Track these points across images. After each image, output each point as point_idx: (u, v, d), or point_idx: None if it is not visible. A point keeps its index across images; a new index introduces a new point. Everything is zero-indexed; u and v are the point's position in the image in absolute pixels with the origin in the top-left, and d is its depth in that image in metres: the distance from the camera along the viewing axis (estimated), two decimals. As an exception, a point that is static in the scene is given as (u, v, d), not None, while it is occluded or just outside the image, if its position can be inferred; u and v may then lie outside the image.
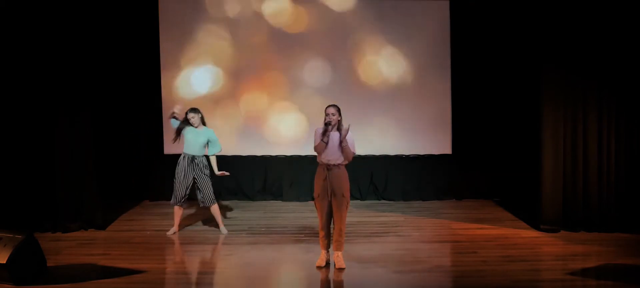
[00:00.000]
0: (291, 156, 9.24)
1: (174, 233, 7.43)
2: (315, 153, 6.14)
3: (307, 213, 8.39)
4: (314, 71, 9.05)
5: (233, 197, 9.26)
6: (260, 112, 9.13)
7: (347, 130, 5.97)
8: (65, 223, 7.48)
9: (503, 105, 9.06)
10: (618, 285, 5.64)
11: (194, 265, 6.64)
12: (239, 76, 9.10)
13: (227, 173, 7.54)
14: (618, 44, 7.19)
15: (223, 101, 9.08)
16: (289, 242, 7.11)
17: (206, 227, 7.73)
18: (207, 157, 7.40)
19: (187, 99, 8.93)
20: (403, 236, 7.36)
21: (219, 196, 7.55)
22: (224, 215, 7.94)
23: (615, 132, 7.33)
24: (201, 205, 7.43)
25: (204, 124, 7.35)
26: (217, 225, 7.53)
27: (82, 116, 7.48)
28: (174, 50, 9.06)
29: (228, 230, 7.49)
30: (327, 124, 5.99)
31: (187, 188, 7.29)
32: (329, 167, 6.03)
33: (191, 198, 7.46)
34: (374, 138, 9.01)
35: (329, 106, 6.06)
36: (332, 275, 6.04)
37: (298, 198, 9.20)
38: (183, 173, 7.25)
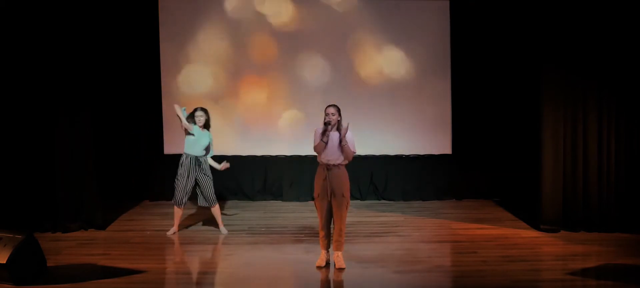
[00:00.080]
0: (291, 156, 9.24)
1: (174, 233, 7.43)
2: (315, 154, 6.14)
3: (307, 213, 8.39)
4: (314, 71, 9.05)
5: (233, 197, 9.27)
6: (260, 112, 9.13)
7: (346, 129, 5.98)
8: (65, 223, 7.48)
9: (503, 105, 9.06)
10: (618, 285, 5.64)
11: (194, 265, 6.64)
12: (239, 76, 9.11)
13: (228, 164, 7.51)
14: (618, 44, 7.19)
15: (223, 101, 9.08)
16: (289, 242, 7.11)
17: (206, 227, 7.73)
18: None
19: (187, 99, 8.93)
20: (403, 236, 7.36)
21: (219, 196, 7.54)
22: (223, 215, 7.93)
23: (615, 132, 7.33)
24: (202, 205, 7.42)
25: (207, 127, 7.31)
26: (217, 225, 7.53)
27: (82, 116, 7.48)
28: (174, 50, 9.07)
29: (228, 230, 7.49)
30: (326, 124, 5.99)
31: (189, 190, 7.28)
32: (328, 167, 6.03)
33: (191, 198, 7.45)
34: (374, 138, 9.01)
35: (329, 106, 6.06)
36: (332, 275, 6.04)
37: (298, 198, 9.20)
38: (187, 174, 7.24)
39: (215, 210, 7.44)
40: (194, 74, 9.08)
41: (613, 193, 7.36)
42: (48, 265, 6.00)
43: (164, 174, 8.94)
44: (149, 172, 9.28)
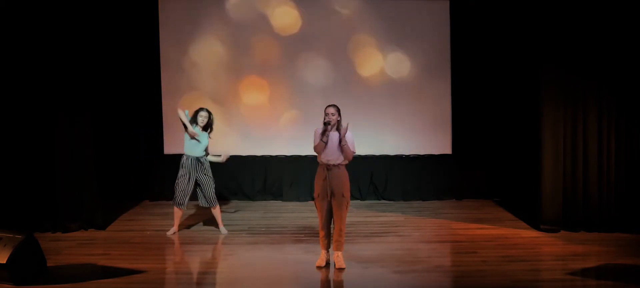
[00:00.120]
0: (291, 156, 9.24)
1: (174, 233, 7.43)
2: (315, 154, 6.14)
3: (307, 213, 8.39)
4: (315, 71, 9.05)
5: (233, 197, 9.27)
6: (261, 112, 9.13)
7: (346, 130, 5.98)
8: (65, 223, 7.48)
9: (503, 105, 9.06)
10: (618, 285, 5.64)
11: (194, 265, 6.64)
12: (239, 76, 9.10)
13: (229, 154, 7.49)
14: (618, 44, 7.19)
15: (223, 101, 9.08)
16: (289, 242, 7.11)
17: (206, 227, 7.73)
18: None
19: (187, 99, 8.94)
20: (403, 236, 7.36)
21: (219, 196, 7.54)
22: (224, 213, 7.92)
23: (615, 132, 7.33)
24: (203, 206, 7.42)
25: (208, 128, 7.30)
26: (217, 225, 7.53)
27: (82, 116, 7.48)
28: (174, 50, 9.06)
29: (228, 230, 7.49)
30: (326, 124, 5.99)
31: (190, 191, 7.28)
32: (328, 167, 6.03)
33: (191, 198, 7.44)
34: (374, 138, 9.00)
35: (329, 106, 6.06)
36: (332, 275, 6.04)
37: (298, 198, 9.20)
38: (188, 175, 7.24)
39: (216, 210, 7.44)
40: (194, 74, 9.08)
41: (613, 193, 7.36)
42: (48, 265, 6.00)
43: (164, 174, 8.94)
44: (149, 172, 9.28)
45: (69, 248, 6.86)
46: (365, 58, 9.07)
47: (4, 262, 5.47)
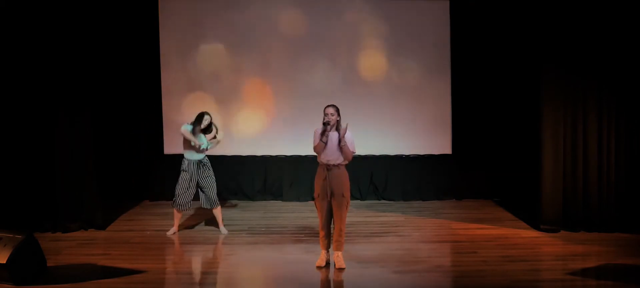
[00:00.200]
0: (291, 156, 9.24)
1: (174, 233, 7.43)
2: (315, 154, 6.14)
3: (307, 213, 8.39)
4: (314, 71, 9.04)
5: (233, 197, 9.26)
6: (261, 112, 9.13)
7: (345, 130, 5.97)
8: (65, 223, 7.48)
9: (503, 105, 9.06)
10: (618, 285, 5.64)
11: (194, 265, 6.64)
12: (240, 75, 9.10)
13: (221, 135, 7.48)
14: (618, 44, 7.19)
15: (223, 101, 9.08)
16: (289, 242, 7.11)
17: (206, 227, 7.73)
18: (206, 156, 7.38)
19: (187, 99, 8.95)
20: (403, 236, 7.37)
21: (219, 196, 7.53)
22: (225, 208, 7.91)
23: (615, 132, 7.33)
24: (205, 207, 7.42)
25: (207, 131, 7.29)
26: (217, 225, 7.53)
27: (82, 116, 7.48)
28: (174, 51, 9.06)
29: (228, 230, 7.49)
30: (325, 124, 5.99)
31: (191, 194, 7.28)
32: (328, 167, 6.03)
33: (193, 199, 7.46)
34: (374, 138, 9.00)
35: (328, 106, 6.06)
36: (332, 275, 6.04)
37: (298, 198, 9.20)
38: (190, 179, 7.22)
39: (217, 210, 7.44)
40: (194, 74, 9.08)
41: (613, 193, 7.36)
42: (48, 265, 6.00)
43: (164, 174, 8.95)
44: (149, 172, 9.28)
45: (69, 248, 6.86)
46: (365, 58, 9.07)
47: (4, 262, 5.47)
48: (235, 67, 9.09)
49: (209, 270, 6.50)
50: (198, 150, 7.18)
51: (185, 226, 7.74)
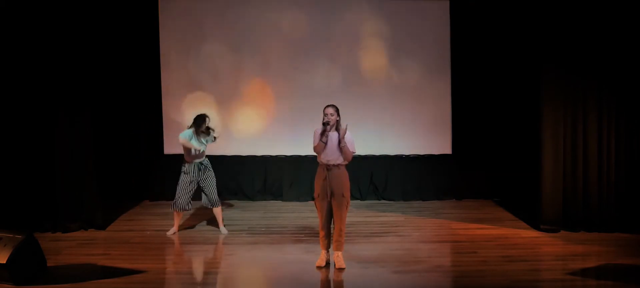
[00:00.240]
0: (291, 156, 9.24)
1: (174, 233, 7.43)
2: (315, 154, 6.14)
3: (307, 213, 8.39)
4: (315, 71, 9.05)
5: (233, 197, 9.26)
6: (261, 112, 9.13)
7: (345, 131, 5.97)
8: (65, 223, 7.48)
9: (503, 105, 9.06)
10: (618, 285, 5.64)
11: (194, 265, 6.64)
12: (240, 75, 9.10)
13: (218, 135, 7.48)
14: (618, 44, 7.19)
15: (223, 100, 9.08)
16: (289, 242, 7.11)
17: (206, 227, 7.73)
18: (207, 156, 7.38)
19: (187, 99, 8.95)
20: (403, 236, 7.36)
21: (219, 196, 7.53)
22: (225, 204, 7.90)
23: (615, 132, 7.33)
24: (206, 206, 7.42)
25: (205, 132, 7.28)
26: (217, 225, 7.53)
27: (82, 116, 7.48)
28: (174, 51, 9.06)
29: (228, 230, 7.49)
30: (325, 124, 5.99)
31: (191, 197, 7.29)
32: (328, 167, 6.03)
33: (194, 198, 7.45)
34: (374, 138, 9.00)
35: (327, 106, 6.06)
36: (332, 275, 6.04)
37: (298, 198, 9.20)
38: (190, 181, 7.22)
39: (217, 210, 7.44)
40: (194, 74, 9.07)
41: (613, 193, 7.36)
42: (48, 265, 6.00)
43: (164, 174, 8.95)
44: (149, 172, 9.28)
45: (69, 248, 6.86)
46: (365, 58, 9.06)
47: (4, 262, 5.47)
48: (236, 67, 9.09)
49: (209, 270, 6.49)
50: (199, 156, 7.17)
51: (185, 226, 7.74)
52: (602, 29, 7.18)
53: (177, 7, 9.02)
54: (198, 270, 6.50)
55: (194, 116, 7.25)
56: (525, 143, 8.66)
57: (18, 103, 7.33)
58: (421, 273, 6.05)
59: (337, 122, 6.04)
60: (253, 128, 9.15)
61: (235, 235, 7.42)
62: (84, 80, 7.47)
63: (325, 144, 5.98)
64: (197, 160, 7.22)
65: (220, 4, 9.01)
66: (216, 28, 9.03)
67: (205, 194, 7.33)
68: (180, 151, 7.37)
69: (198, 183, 7.28)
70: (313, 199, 6.29)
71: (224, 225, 7.53)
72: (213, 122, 7.46)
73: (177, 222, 7.44)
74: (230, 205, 8.92)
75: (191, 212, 8.27)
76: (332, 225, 6.18)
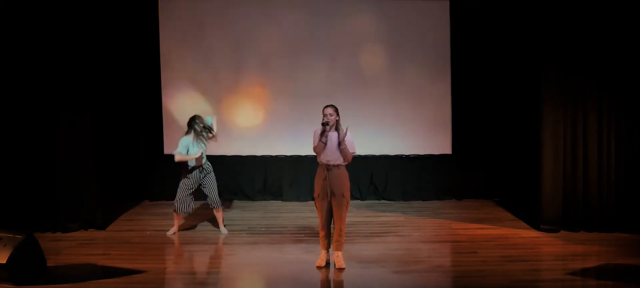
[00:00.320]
0: (291, 156, 9.24)
1: (174, 233, 7.43)
2: (315, 154, 6.14)
3: (307, 213, 8.39)
4: (315, 71, 9.04)
5: (233, 197, 9.26)
6: (261, 111, 9.13)
7: (345, 134, 5.97)
8: (65, 223, 7.48)
9: (503, 105, 9.06)
10: (618, 285, 5.64)
11: (194, 265, 6.64)
12: (240, 75, 9.09)
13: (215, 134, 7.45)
14: (618, 44, 7.19)
15: (224, 100, 9.08)
16: (289, 242, 7.11)
17: (206, 227, 7.74)
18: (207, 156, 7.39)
19: (188, 99, 8.95)
20: (403, 236, 7.36)
21: (219, 196, 7.53)
22: (225, 200, 7.90)
23: (615, 132, 7.33)
24: (210, 205, 7.42)
25: (197, 134, 7.26)
26: (217, 225, 7.53)
27: (82, 116, 7.48)
28: (174, 51, 9.06)
29: (228, 230, 7.49)
30: (324, 124, 5.99)
31: (192, 200, 7.30)
32: (328, 167, 6.03)
33: (197, 198, 7.46)
34: (374, 138, 9.00)
35: (327, 106, 6.06)
36: (332, 275, 6.04)
37: (298, 198, 9.20)
38: (190, 185, 7.22)
39: (218, 211, 7.44)
40: (194, 74, 9.07)
41: (613, 193, 7.36)
42: (48, 265, 6.01)
43: (164, 174, 8.95)
44: (149, 172, 9.28)
45: (69, 248, 6.86)
46: (365, 58, 9.06)
47: (4, 262, 5.47)
48: (236, 67, 9.08)
49: (209, 270, 6.49)
50: (200, 161, 7.16)
51: (185, 226, 7.73)
52: (602, 29, 7.18)
53: (177, 7, 9.02)
54: (198, 270, 6.50)
55: (187, 122, 7.25)
56: (525, 143, 8.66)
57: (18, 103, 7.33)
58: (421, 273, 6.05)
59: (337, 122, 6.04)
60: (253, 128, 9.15)
61: (235, 235, 7.42)
62: (84, 80, 7.47)
63: (325, 144, 5.98)
64: (201, 163, 7.21)
65: (220, 3, 9.02)
66: (216, 28, 9.03)
67: (207, 194, 7.32)
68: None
69: (199, 185, 7.28)
70: (313, 199, 6.29)
71: (224, 225, 7.53)
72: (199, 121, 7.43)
73: (177, 222, 7.45)
74: (229, 206, 8.91)
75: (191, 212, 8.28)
76: (332, 225, 6.18)
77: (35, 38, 7.27)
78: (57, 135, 7.41)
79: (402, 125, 9.12)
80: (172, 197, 7.38)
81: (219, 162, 8.13)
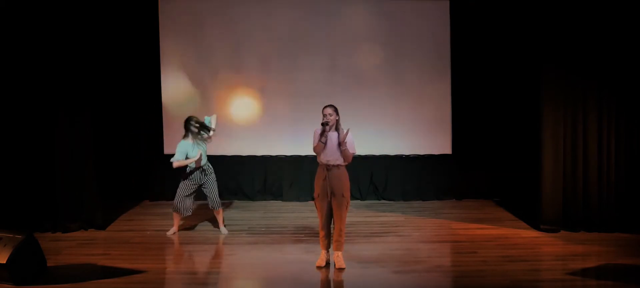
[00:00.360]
0: (291, 156, 9.24)
1: (174, 233, 7.43)
2: (315, 154, 6.14)
3: (307, 213, 8.39)
4: (315, 71, 9.04)
5: (233, 197, 9.26)
6: (261, 111, 9.12)
7: (346, 135, 5.96)
8: (65, 223, 7.48)
9: (503, 105, 9.06)
10: (618, 285, 5.64)
11: (194, 265, 6.64)
12: (240, 76, 9.09)
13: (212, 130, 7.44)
14: (618, 44, 7.19)
15: (224, 101, 9.08)
16: (289, 242, 7.11)
17: (206, 227, 7.74)
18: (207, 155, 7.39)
19: (187, 99, 8.95)
20: (403, 236, 7.36)
21: (219, 196, 7.53)
22: (225, 199, 7.90)
23: (615, 132, 7.33)
24: (210, 206, 7.43)
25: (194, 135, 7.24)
26: (217, 225, 7.53)
27: (82, 116, 7.48)
28: (174, 50, 9.06)
29: (228, 230, 7.49)
30: (324, 125, 5.99)
31: (192, 200, 7.30)
32: (328, 167, 6.03)
33: (196, 198, 7.45)
34: (374, 138, 9.00)
35: (326, 106, 6.06)
36: (332, 275, 6.04)
37: (298, 198, 9.20)
38: (192, 185, 7.22)
39: (218, 211, 7.44)
40: (194, 74, 9.07)
41: (613, 193, 7.36)
42: (48, 265, 6.01)
43: (164, 174, 8.94)
44: (149, 172, 9.28)
45: (69, 248, 6.86)
46: (365, 58, 9.06)
47: (4, 262, 5.47)
48: (235, 67, 9.08)
49: (209, 270, 6.49)
50: (200, 162, 7.16)
51: (185, 226, 7.73)
52: (602, 29, 7.18)
53: (177, 7, 9.02)
54: (198, 270, 6.50)
55: (183, 124, 7.24)
56: (525, 143, 8.66)
57: (18, 103, 7.33)
58: (421, 273, 6.05)
59: (337, 122, 6.04)
60: (253, 128, 9.15)
61: (235, 235, 7.42)
62: (84, 80, 7.47)
63: (325, 144, 5.98)
64: (202, 165, 7.20)
65: (220, 3, 9.01)
66: (216, 28, 9.03)
67: (207, 195, 7.32)
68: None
69: (200, 185, 7.28)
70: (313, 199, 6.29)
71: (224, 225, 7.53)
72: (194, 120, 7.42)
73: (177, 222, 7.45)
74: (228, 206, 8.91)
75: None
76: (332, 225, 6.18)
77: (35, 38, 7.27)
78: (57, 135, 7.41)
79: (402, 125, 9.12)
80: (172, 197, 7.38)
81: (219, 162, 8.12)
